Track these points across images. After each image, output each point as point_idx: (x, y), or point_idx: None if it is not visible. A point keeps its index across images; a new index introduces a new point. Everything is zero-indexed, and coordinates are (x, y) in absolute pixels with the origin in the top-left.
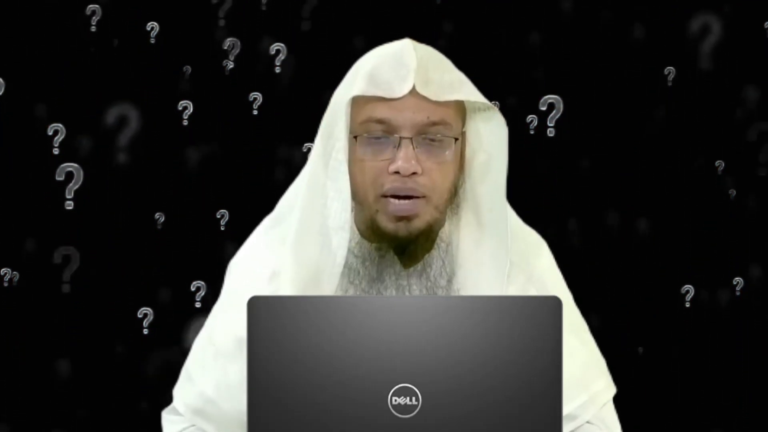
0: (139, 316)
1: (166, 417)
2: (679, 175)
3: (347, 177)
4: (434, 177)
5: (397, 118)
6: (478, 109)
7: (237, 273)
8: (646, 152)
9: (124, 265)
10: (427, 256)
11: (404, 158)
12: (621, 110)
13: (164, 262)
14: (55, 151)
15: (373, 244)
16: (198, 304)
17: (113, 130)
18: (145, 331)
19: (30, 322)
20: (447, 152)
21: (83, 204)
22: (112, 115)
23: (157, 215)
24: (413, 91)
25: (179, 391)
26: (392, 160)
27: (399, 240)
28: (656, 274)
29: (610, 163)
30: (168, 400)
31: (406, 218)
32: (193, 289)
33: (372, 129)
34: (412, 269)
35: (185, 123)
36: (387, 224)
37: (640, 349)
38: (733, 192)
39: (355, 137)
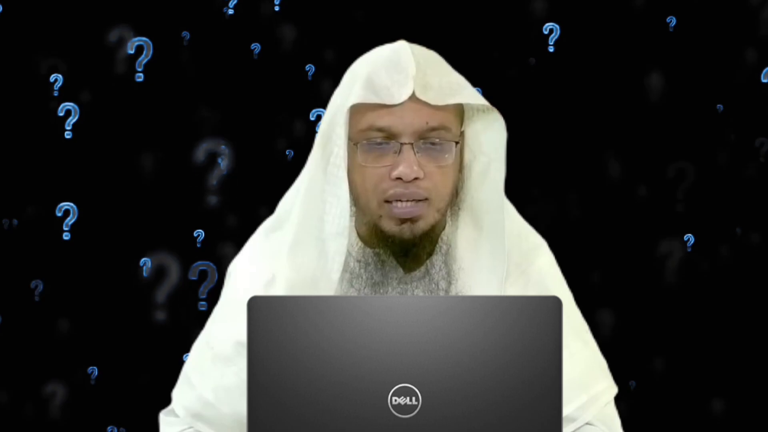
0: (140, 265)
1: (164, 419)
2: (679, 121)
3: (346, 183)
4: (436, 180)
5: (397, 125)
6: (477, 110)
7: (235, 278)
8: (644, 100)
9: (119, 207)
10: (428, 260)
11: (406, 164)
12: (621, 58)
13: (159, 211)
14: (55, 94)
15: (374, 250)
16: (198, 245)
17: (111, 54)
18: (145, 275)
19: (28, 268)
20: (447, 155)
21: (82, 137)
22: (112, 37)
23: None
24: (412, 97)
25: (178, 394)
26: (394, 166)
27: (404, 243)
28: (656, 222)
29: (611, 109)
30: (167, 358)
31: (410, 220)
32: (195, 235)
33: (372, 136)
34: (413, 273)
35: (185, 55)
36: (391, 227)
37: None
38: (733, 136)
39: (356, 144)
